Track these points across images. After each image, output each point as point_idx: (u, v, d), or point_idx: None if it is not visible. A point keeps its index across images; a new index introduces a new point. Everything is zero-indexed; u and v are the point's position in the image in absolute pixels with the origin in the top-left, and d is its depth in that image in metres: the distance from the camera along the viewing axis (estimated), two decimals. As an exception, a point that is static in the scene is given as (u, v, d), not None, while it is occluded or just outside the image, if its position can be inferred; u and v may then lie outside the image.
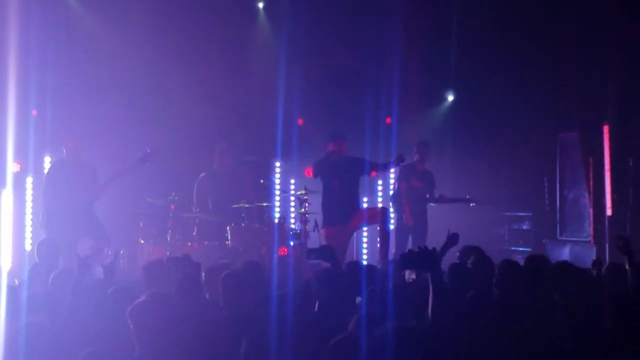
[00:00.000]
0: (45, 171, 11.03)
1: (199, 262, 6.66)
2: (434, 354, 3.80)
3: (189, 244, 10.95)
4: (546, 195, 13.22)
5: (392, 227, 12.44)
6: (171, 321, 4.49)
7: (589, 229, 12.08)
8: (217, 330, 4.47)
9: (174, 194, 11.21)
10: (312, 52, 12.85)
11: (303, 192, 10.94)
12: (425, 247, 4.77)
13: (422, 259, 4.69)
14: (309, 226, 10.82)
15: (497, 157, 13.43)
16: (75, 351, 4.41)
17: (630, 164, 11.32)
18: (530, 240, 13.26)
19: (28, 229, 12.09)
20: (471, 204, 12.06)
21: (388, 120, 12.33)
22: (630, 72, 11.28)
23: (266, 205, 11.54)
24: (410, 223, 11.17)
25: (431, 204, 11.66)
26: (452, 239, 7.83)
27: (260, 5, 13.60)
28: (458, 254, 7.20)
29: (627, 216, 11.28)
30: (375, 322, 4.68)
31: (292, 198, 13.03)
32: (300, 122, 13.50)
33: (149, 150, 10.18)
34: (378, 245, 10.13)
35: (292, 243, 10.82)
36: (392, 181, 13.30)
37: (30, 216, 12.09)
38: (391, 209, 11.99)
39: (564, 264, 6.12)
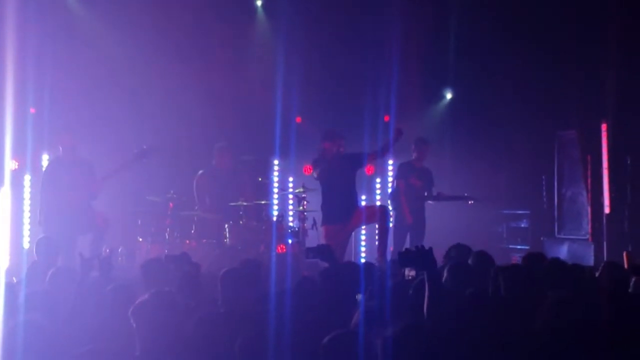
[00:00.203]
0: (43, 169, 11.02)
1: (198, 263, 6.66)
2: (437, 353, 3.82)
3: (187, 241, 10.96)
4: (544, 193, 13.23)
5: (390, 225, 12.46)
6: (173, 320, 4.48)
7: (587, 227, 12.08)
8: (216, 328, 4.47)
9: (172, 191, 11.22)
10: (311, 50, 12.85)
11: (301, 190, 10.95)
12: (422, 246, 4.82)
13: (419, 257, 4.74)
14: (307, 224, 10.84)
15: (495, 155, 13.43)
16: (73, 349, 4.41)
17: (629, 162, 11.32)
18: (528, 238, 13.27)
19: (26, 227, 12.09)
20: (469, 202, 12.07)
21: (386, 118, 12.32)
22: (628, 70, 11.28)
23: (264, 203, 11.55)
24: (409, 221, 11.17)
25: (429, 201, 11.66)
26: (397, 134, 8.72)
27: (259, 3, 13.59)
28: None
29: (625, 214, 11.28)
30: (374, 319, 4.70)
31: (291, 196, 13.03)
32: (298, 120, 13.50)
33: (145, 147, 10.17)
34: (376, 243, 10.10)
35: (290, 241, 10.83)
36: (390, 179, 13.30)
37: (28, 214, 12.10)
38: (390, 207, 11.99)
39: (558, 261, 6.11)
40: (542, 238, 12.85)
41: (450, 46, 13.39)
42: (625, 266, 7.63)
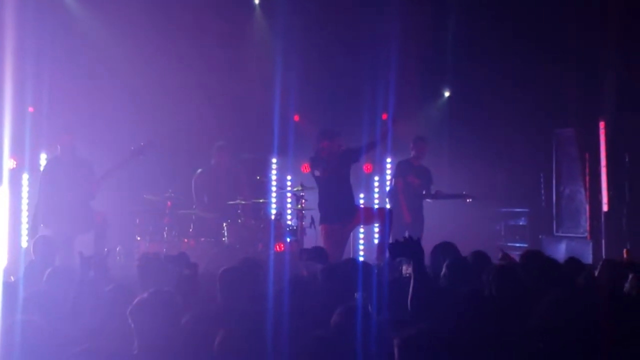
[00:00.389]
0: (41, 168, 11.02)
1: (196, 263, 6.66)
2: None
3: (185, 240, 10.96)
4: (543, 191, 13.24)
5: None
6: (171, 319, 4.49)
7: (585, 224, 12.10)
8: (213, 326, 4.47)
9: (170, 190, 11.22)
10: (309, 49, 12.85)
11: (299, 188, 10.94)
12: (410, 237, 5.04)
13: (407, 247, 4.96)
14: (306, 222, 10.83)
15: (493, 153, 13.44)
16: (71, 348, 4.41)
17: (626, 159, 11.33)
18: (526, 236, 13.28)
19: (24, 226, 12.09)
20: (468, 200, 12.07)
21: (384, 116, 12.32)
22: (626, 69, 11.30)
23: (262, 202, 11.54)
24: (408, 219, 11.16)
25: (428, 200, 11.66)
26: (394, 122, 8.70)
27: (257, 1, 13.59)
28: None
29: (623, 212, 11.30)
30: (370, 316, 4.72)
31: (289, 194, 13.03)
32: (296, 118, 13.50)
33: (142, 144, 10.16)
34: (376, 242, 10.10)
35: (288, 239, 10.82)
36: (388, 177, 13.30)
37: (26, 213, 12.09)
38: (388, 206, 11.99)
39: (553, 261, 6.10)
40: (540, 236, 12.86)
41: (449, 45, 13.40)
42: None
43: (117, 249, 11.19)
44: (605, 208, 11.59)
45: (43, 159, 11.99)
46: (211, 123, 12.54)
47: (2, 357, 4.41)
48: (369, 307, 5.01)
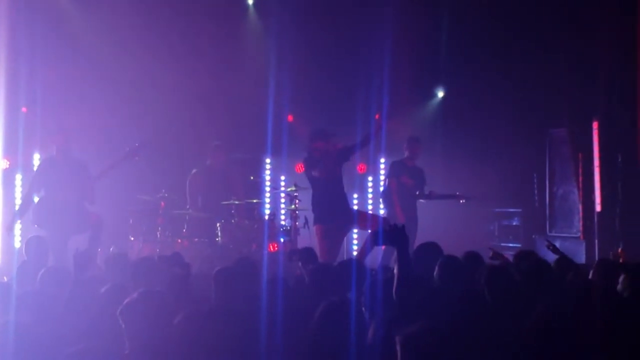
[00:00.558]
0: (35, 168, 11.00)
1: (189, 263, 6.67)
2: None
3: (179, 240, 10.95)
4: (536, 192, 13.26)
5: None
6: (162, 319, 4.48)
7: (579, 224, 12.11)
8: (206, 326, 4.47)
9: (163, 190, 11.21)
10: (302, 49, 12.84)
11: (293, 188, 10.95)
12: (395, 224, 5.09)
13: (391, 235, 5.03)
14: (299, 222, 10.84)
15: (487, 153, 13.44)
16: (64, 349, 4.40)
17: (620, 160, 11.35)
18: (520, 236, 13.30)
19: (17, 226, 12.05)
20: (461, 201, 12.08)
21: (377, 116, 12.32)
22: (619, 68, 11.31)
23: (256, 202, 11.54)
24: (402, 220, 11.15)
25: (421, 200, 11.66)
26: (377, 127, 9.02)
27: (250, 2, 13.59)
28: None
29: (616, 212, 11.31)
30: (361, 314, 4.74)
31: (283, 195, 13.03)
32: (290, 118, 13.50)
33: (137, 144, 10.15)
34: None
35: (282, 239, 10.83)
36: (382, 178, 13.31)
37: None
38: (381, 206, 12.01)
39: (545, 264, 6.10)
40: (533, 236, 12.88)
41: (443, 45, 13.42)
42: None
43: (111, 249, 11.17)
44: (598, 208, 11.61)
45: (36, 159, 11.96)
46: (205, 123, 12.53)
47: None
48: (361, 306, 5.02)
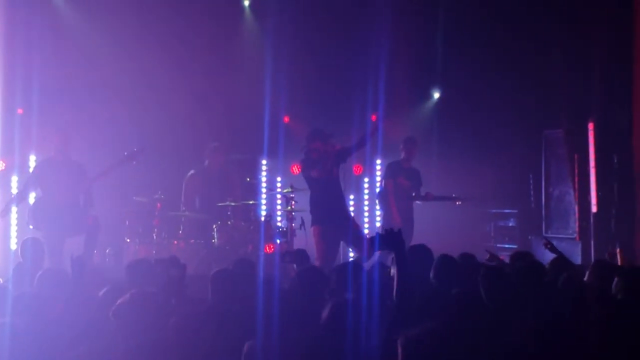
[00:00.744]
0: (31, 170, 10.98)
1: (185, 264, 6.66)
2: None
3: (175, 242, 10.94)
4: (532, 192, 13.27)
5: (378, 224, 12.46)
6: (154, 319, 4.49)
7: (575, 225, 12.13)
8: (200, 328, 4.47)
9: (160, 192, 11.20)
10: (298, 51, 12.84)
11: (289, 190, 10.95)
12: (391, 229, 5.08)
13: (388, 239, 5.03)
14: (295, 224, 10.83)
15: (482, 154, 13.45)
16: (62, 352, 4.41)
17: (615, 160, 11.35)
18: (516, 237, 13.31)
19: (13, 228, 12.04)
20: (457, 202, 12.09)
21: (373, 117, 12.31)
22: (615, 70, 11.33)
23: (252, 204, 11.54)
24: (398, 221, 11.16)
25: (417, 201, 11.67)
26: (374, 128, 9.05)
27: (246, 3, 13.58)
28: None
29: (612, 213, 11.32)
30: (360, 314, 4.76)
31: (279, 196, 13.03)
32: (286, 119, 13.50)
33: (135, 149, 10.15)
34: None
35: (278, 241, 10.82)
36: (378, 179, 13.31)
37: (16, 215, 12.04)
38: (377, 207, 12.01)
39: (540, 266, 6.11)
40: (529, 237, 12.89)
41: (438, 46, 13.43)
42: (620, 263, 7.68)
43: (107, 250, 11.17)
44: (594, 209, 11.62)
45: (32, 161, 11.94)
46: (201, 124, 12.53)
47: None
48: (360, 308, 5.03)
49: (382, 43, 12.03)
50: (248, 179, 11.90)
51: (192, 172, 11.56)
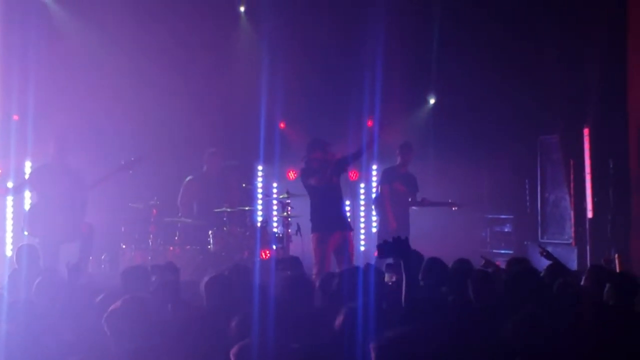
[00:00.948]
0: (26, 176, 10.95)
1: (178, 268, 6.65)
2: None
3: (171, 248, 10.93)
4: (528, 198, 13.27)
5: (374, 230, 12.46)
6: (146, 326, 4.48)
7: (570, 231, 12.13)
8: (196, 332, 4.47)
9: (155, 198, 11.19)
10: (294, 56, 12.85)
11: (285, 195, 10.95)
12: (399, 237, 5.15)
13: (396, 247, 5.10)
14: (292, 230, 10.83)
15: (478, 159, 13.47)
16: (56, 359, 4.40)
17: (611, 166, 11.36)
18: (512, 243, 13.32)
19: (8, 234, 12.02)
20: (453, 208, 12.09)
21: (369, 123, 12.33)
22: (610, 75, 11.35)
23: (248, 209, 11.53)
24: (394, 226, 11.16)
25: (413, 207, 11.67)
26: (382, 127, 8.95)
27: (242, 9, 13.60)
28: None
29: (607, 218, 11.32)
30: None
31: (275, 202, 13.03)
32: (282, 125, 13.50)
33: (133, 159, 10.14)
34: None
35: (274, 247, 10.82)
36: (374, 184, 13.31)
37: (11, 221, 12.03)
38: (374, 212, 12.00)
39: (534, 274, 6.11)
40: (525, 242, 12.89)
41: (434, 52, 13.44)
42: (617, 269, 7.69)
43: (102, 256, 11.16)
44: (590, 214, 11.63)
45: (28, 167, 11.92)
46: (197, 130, 12.52)
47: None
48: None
49: (377, 48, 12.04)
50: (244, 185, 11.90)
51: (190, 177, 11.54)
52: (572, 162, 12.03)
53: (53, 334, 5.21)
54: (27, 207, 10.50)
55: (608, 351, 4.59)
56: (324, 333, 4.87)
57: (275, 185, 13.42)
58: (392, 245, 5.14)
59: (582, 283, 6.38)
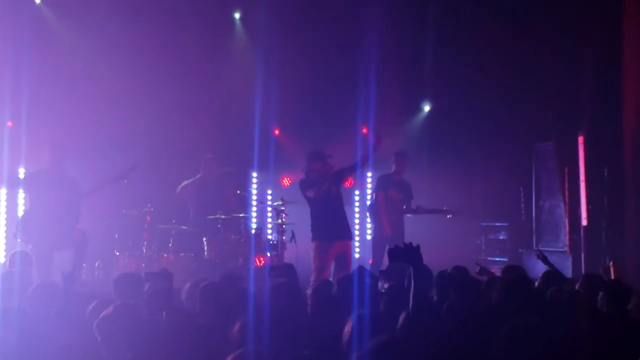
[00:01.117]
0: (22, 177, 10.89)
1: (172, 274, 6.62)
2: None
3: (165, 255, 10.90)
4: (522, 205, 13.27)
5: (369, 237, 12.45)
6: (138, 332, 4.46)
7: (565, 238, 12.13)
8: (190, 340, 4.45)
9: (149, 205, 11.16)
10: (288, 64, 12.85)
11: (280, 202, 10.93)
12: (410, 243, 5.20)
13: (408, 253, 5.15)
14: (286, 237, 10.81)
15: (473, 167, 13.47)
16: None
17: (605, 173, 11.37)
18: (507, 250, 13.31)
19: (1, 241, 11.99)
20: (448, 215, 12.08)
21: (364, 130, 12.34)
22: (605, 83, 11.36)
23: (243, 216, 11.51)
24: (388, 233, 11.15)
25: (408, 214, 11.67)
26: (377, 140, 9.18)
27: (237, 16, 13.60)
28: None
29: (602, 226, 11.33)
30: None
31: (269, 209, 13.01)
32: (276, 132, 13.49)
33: (128, 167, 10.10)
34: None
35: (268, 254, 10.80)
36: (369, 192, 13.30)
37: (4, 227, 11.99)
38: (368, 220, 11.98)
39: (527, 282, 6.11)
40: (520, 250, 12.89)
41: (429, 59, 13.45)
42: (612, 277, 7.68)
43: (96, 264, 11.12)
44: (584, 222, 11.63)
45: (21, 174, 11.87)
46: (191, 137, 12.51)
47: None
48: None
49: (371, 56, 12.05)
50: (238, 192, 11.89)
51: (185, 182, 11.49)
52: (566, 170, 12.04)
53: (46, 341, 5.19)
54: (20, 213, 10.45)
55: (602, 359, 4.58)
56: (318, 340, 4.85)
57: (269, 192, 13.40)
58: (404, 251, 5.18)
59: (576, 289, 6.38)
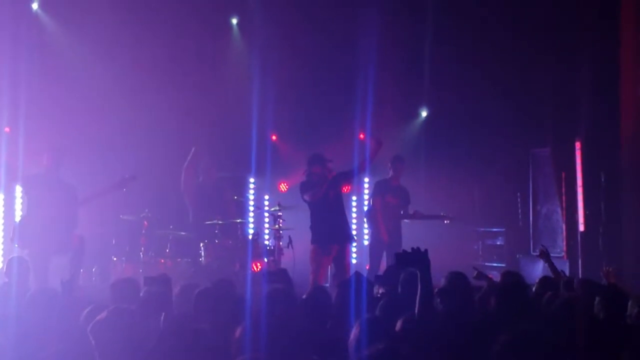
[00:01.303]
0: (17, 186, 10.88)
1: (170, 278, 6.62)
2: None
3: (162, 260, 10.90)
4: (519, 211, 13.28)
5: (366, 243, 12.45)
6: (132, 337, 4.45)
7: (562, 244, 12.13)
8: (186, 346, 4.44)
9: (147, 210, 11.15)
10: (285, 69, 12.86)
11: (277, 208, 10.93)
12: (418, 248, 5.28)
13: (415, 257, 5.22)
14: (283, 242, 10.82)
15: (470, 172, 13.48)
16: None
17: (602, 179, 11.37)
18: (504, 256, 13.31)
19: (-1, 247, 11.98)
20: (445, 221, 12.08)
21: (361, 136, 12.34)
22: (602, 88, 11.37)
23: (240, 222, 11.51)
24: (386, 239, 11.15)
25: (405, 220, 11.66)
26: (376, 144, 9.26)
27: (234, 21, 13.61)
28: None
29: (599, 231, 11.31)
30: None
31: (266, 214, 13.01)
32: (274, 138, 13.49)
33: (127, 176, 10.09)
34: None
35: (265, 259, 10.80)
36: (366, 197, 13.30)
37: (1, 232, 11.97)
38: (365, 225, 11.98)
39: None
40: (517, 255, 12.89)
41: (426, 64, 13.46)
42: (610, 282, 7.68)
43: (93, 269, 11.11)
44: (581, 228, 11.62)
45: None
46: (188, 142, 12.49)
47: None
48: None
49: (369, 62, 12.07)
50: (235, 197, 11.89)
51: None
52: (563, 175, 12.04)
53: (42, 346, 5.18)
54: (17, 218, 10.44)
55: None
56: (316, 346, 4.85)
57: (266, 197, 13.40)
58: (411, 256, 5.20)
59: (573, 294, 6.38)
